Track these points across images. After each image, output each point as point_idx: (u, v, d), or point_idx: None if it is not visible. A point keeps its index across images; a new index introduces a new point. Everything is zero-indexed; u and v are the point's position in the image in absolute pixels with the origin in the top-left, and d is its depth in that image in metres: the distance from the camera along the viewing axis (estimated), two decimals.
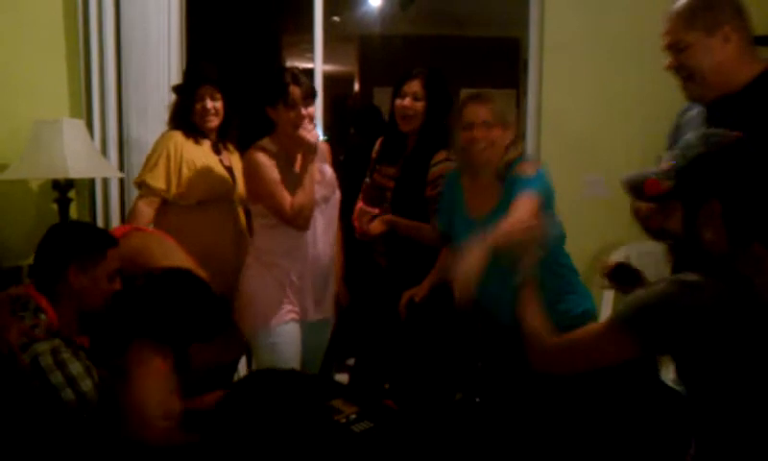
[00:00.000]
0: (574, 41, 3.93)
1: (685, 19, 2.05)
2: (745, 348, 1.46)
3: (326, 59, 4.08)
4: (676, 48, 2.07)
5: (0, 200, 3.55)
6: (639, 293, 1.57)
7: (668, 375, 2.42)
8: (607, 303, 3.74)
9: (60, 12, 3.67)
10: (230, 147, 3.23)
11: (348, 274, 3.14)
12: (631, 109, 3.93)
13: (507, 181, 2.45)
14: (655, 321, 1.50)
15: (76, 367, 1.96)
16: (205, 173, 3.03)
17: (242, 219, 3.18)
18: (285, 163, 2.76)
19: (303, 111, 2.70)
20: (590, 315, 2.59)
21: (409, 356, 2.91)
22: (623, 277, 2.10)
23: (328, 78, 4.22)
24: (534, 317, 1.79)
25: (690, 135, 1.59)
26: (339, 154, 5.00)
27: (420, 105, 2.89)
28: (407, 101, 2.89)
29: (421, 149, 2.92)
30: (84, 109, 3.68)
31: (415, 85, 2.90)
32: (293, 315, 2.79)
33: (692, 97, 2.14)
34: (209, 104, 3.07)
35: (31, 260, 2.23)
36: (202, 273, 2.43)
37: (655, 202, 1.66)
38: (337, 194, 2.93)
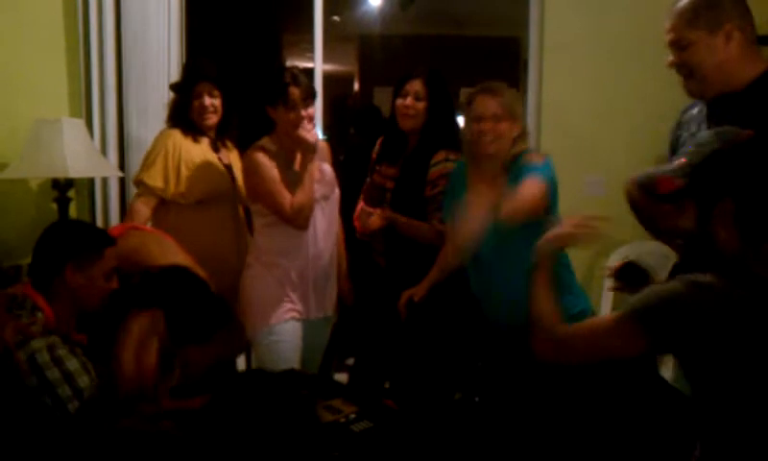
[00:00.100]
0: (574, 41, 3.93)
1: (688, 17, 2.05)
2: (756, 350, 1.45)
3: (326, 58, 4.08)
4: (678, 46, 2.08)
5: (0, 199, 3.55)
6: (653, 289, 1.56)
7: (666, 373, 2.42)
8: (606, 304, 3.74)
9: (60, 12, 3.68)
10: (229, 144, 3.21)
11: (349, 274, 3.14)
12: (631, 108, 3.93)
13: (512, 172, 2.46)
14: (665, 319, 1.49)
15: (73, 363, 1.95)
16: (205, 171, 3.01)
17: (242, 217, 3.18)
18: (285, 163, 2.76)
19: (303, 112, 2.70)
20: (587, 316, 2.59)
21: (408, 356, 2.91)
22: (631, 276, 2.08)
23: (328, 77, 4.21)
24: (544, 303, 1.75)
25: (704, 133, 1.57)
26: (339, 154, 5.00)
27: (421, 104, 2.89)
28: (409, 100, 2.89)
29: (422, 149, 2.92)
30: (83, 109, 3.68)
31: (416, 85, 2.89)
32: (294, 314, 2.79)
33: (692, 94, 2.14)
34: (207, 101, 3.05)
35: (30, 259, 2.22)
36: (200, 271, 2.42)
37: (667, 200, 1.64)
38: (337, 192, 2.93)
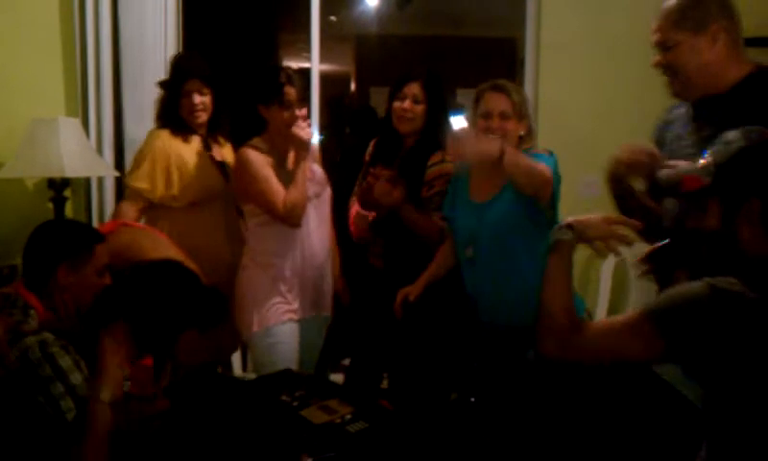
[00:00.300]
0: (571, 41, 3.93)
1: (674, 18, 2.06)
2: None
3: (323, 58, 4.08)
4: (664, 46, 2.09)
5: None
6: (672, 291, 1.52)
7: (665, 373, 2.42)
8: (603, 305, 3.75)
9: (56, 12, 3.67)
10: (221, 140, 3.14)
11: (344, 275, 3.14)
12: (629, 108, 3.93)
13: None
14: (684, 322, 1.45)
15: (65, 360, 1.95)
16: (197, 173, 2.96)
17: (236, 216, 3.11)
18: (277, 163, 2.76)
19: (298, 112, 2.71)
20: (580, 315, 2.59)
21: (404, 356, 2.91)
22: (665, 261, 1.97)
23: (325, 77, 4.21)
24: (559, 294, 1.64)
25: (730, 132, 1.55)
26: (335, 154, 5.01)
27: (420, 107, 2.87)
28: (407, 103, 2.88)
29: (418, 150, 2.91)
30: (80, 108, 3.68)
31: (415, 88, 2.88)
32: (290, 315, 2.80)
33: (677, 95, 2.16)
34: (197, 99, 2.98)
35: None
36: (192, 265, 2.41)
37: (692, 199, 1.62)
38: (328, 191, 2.94)
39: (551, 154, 2.52)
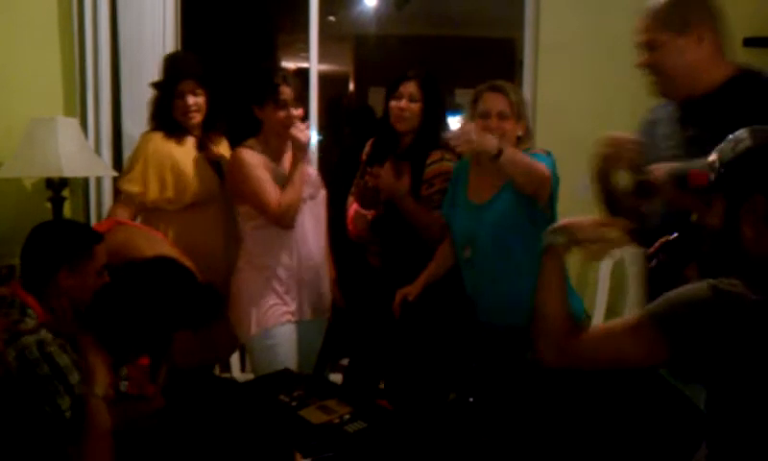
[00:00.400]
0: (570, 41, 3.92)
1: (659, 19, 2.07)
2: None
3: (321, 58, 4.08)
4: (649, 46, 2.10)
5: None
6: (673, 294, 1.50)
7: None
8: (601, 305, 3.75)
9: (54, 11, 3.67)
10: (216, 139, 3.09)
11: (341, 275, 3.14)
12: (628, 109, 3.91)
13: None
14: (688, 325, 1.44)
15: (63, 359, 1.94)
16: (192, 176, 2.92)
17: (233, 216, 3.06)
18: (271, 164, 2.76)
19: (294, 111, 2.71)
20: (580, 318, 2.60)
21: (403, 356, 2.91)
22: (677, 253, 1.94)
23: (323, 78, 4.20)
24: (553, 301, 1.62)
25: (739, 130, 1.55)
26: (333, 154, 5.00)
27: (416, 106, 2.89)
28: (403, 102, 2.89)
29: (416, 149, 2.92)
30: (78, 108, 3.68)
31: (411, 87, 2.89)
32: (288, 317, 2.80)
33: (662, 95, 2.16)
34: (191, 100, 2.93)
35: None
36: (187, 262, 2.41)
37: (697, 194, 1.61)
38: (322, 192, 2.94)
39: (549, 154, 2.53)
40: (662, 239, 1.99)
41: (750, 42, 3.42)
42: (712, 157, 1.56)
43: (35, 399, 1.89)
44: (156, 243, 2.58)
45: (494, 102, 2.54)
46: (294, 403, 2.28)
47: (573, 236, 1.66)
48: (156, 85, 3.04)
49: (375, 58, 8.06)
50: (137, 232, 2.66)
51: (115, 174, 3.66)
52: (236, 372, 3.88)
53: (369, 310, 3.02)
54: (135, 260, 2.28)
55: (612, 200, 2.16)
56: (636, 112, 3.83)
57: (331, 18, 7.29)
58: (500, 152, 2.30)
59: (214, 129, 3.07)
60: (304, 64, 4.25)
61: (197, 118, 2.98)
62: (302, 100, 2.78)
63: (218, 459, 1.97)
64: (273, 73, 2.77)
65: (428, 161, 2.87)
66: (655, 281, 1.85)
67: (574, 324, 1.61)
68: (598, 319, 3.66)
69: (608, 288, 3.79)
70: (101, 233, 2.26)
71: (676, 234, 1.96)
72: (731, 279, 1.46)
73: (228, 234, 3.00)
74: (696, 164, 1.60)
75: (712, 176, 1.54)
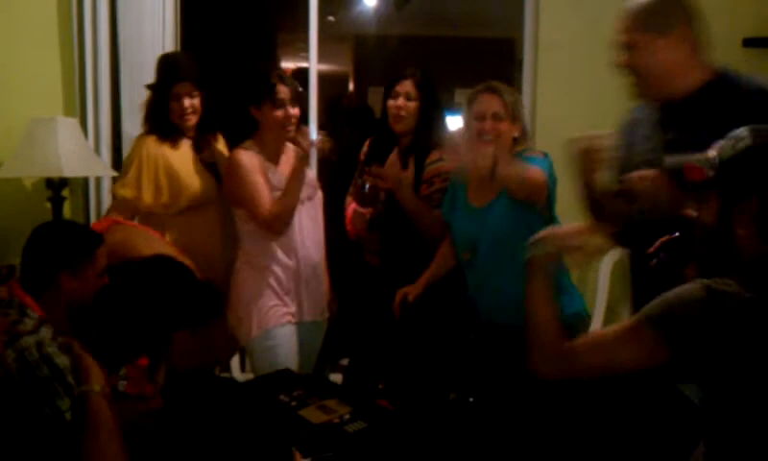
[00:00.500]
0: (569, 41, 3.92)
1: (639, 20, 2.08)
2: None
3: (321, 58, 4.07)
4: (628, 47, 2.10)
5: None
6: (667, 295, 1.49)
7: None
8: (600, 306, 3.75)
9: (54, 11, 3.67)
10: (212, 140, 3.04)
11: (340, 274, 3.14)
12: (627, 110, 3.92)
13: None
14: (686, 325, 1.44)
15: (62, 360, 1.94)
16: (188, 179, 2.88)
17: (230, 218, 3.00)
18: (268, 165, 2.77)
19: (291, 111, 2.72)
20: (582, 317, 2.60)
21: (403, 356, 2.91)
22: (678, 252, 1.92)
23: (323, 77, 4.20)
24: (541, 311, 1.63)
25: (739, 129, 1.56)
26: (333, 154, 4.99)
27: (412, 105, 2.89)
28: (400, 101, 2.89)
29: (414, 148, 2.92)
30: (78, 108, 3.67)
31: (407, 86, 2.90)
32: (288, 317, 2.80)
33: (640, 96, 2.16)
34: (186, 102, 2.88)
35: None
36: (186, 260, 2.40)
37: (693, 190, 1.61)
38: (319, 194, 2.94)
39: (546, 155, 2.53)
40: (663, 238, 1.99)
41: (750, 42, 3.42)
42: (712, 152, 1.55)
43: (34, 401, 1.89)
44: (154, 242, 2.58)
45: (489, 103, 2.54)
46: (294, 403, 2.28)
47: (554, 247, 1.69)
48: (151, 87, 2.99)
49: (375, 58, 8.06)
50: (135, 232, 2.65)
51: (115, 174, 3.65)
52: (236, 372, 3.88)
53: (368, 310, 3.02)
54: (134, 260, 2.28)
55: (595, 204, 2.16)
56: None
57: (331, 18, 7.29)
58: (492, 170, 2.32)
59: (210, 130, 3.04)
60: (304, 64, 4.26)
61: (193, 120, 2.93)
62: (299, 100, 2.78)
63: (217, 459, 1.96)
64: (269, 72, 2.78)
65: (427, 161, 2.88)
66: (655, 281, 1.84)
67: (564, 331, 1.59)
68: (598, 319, 3.66)
69: (608, 288, 3.79)
70: (102, 236, 2.25)
71: (677, 234, 1.96)
72: (725, 278, 1.46)
73: (225, 235, 2.95)
74: (693, 158, 1.60)
75: (710, 172, 1.54)
